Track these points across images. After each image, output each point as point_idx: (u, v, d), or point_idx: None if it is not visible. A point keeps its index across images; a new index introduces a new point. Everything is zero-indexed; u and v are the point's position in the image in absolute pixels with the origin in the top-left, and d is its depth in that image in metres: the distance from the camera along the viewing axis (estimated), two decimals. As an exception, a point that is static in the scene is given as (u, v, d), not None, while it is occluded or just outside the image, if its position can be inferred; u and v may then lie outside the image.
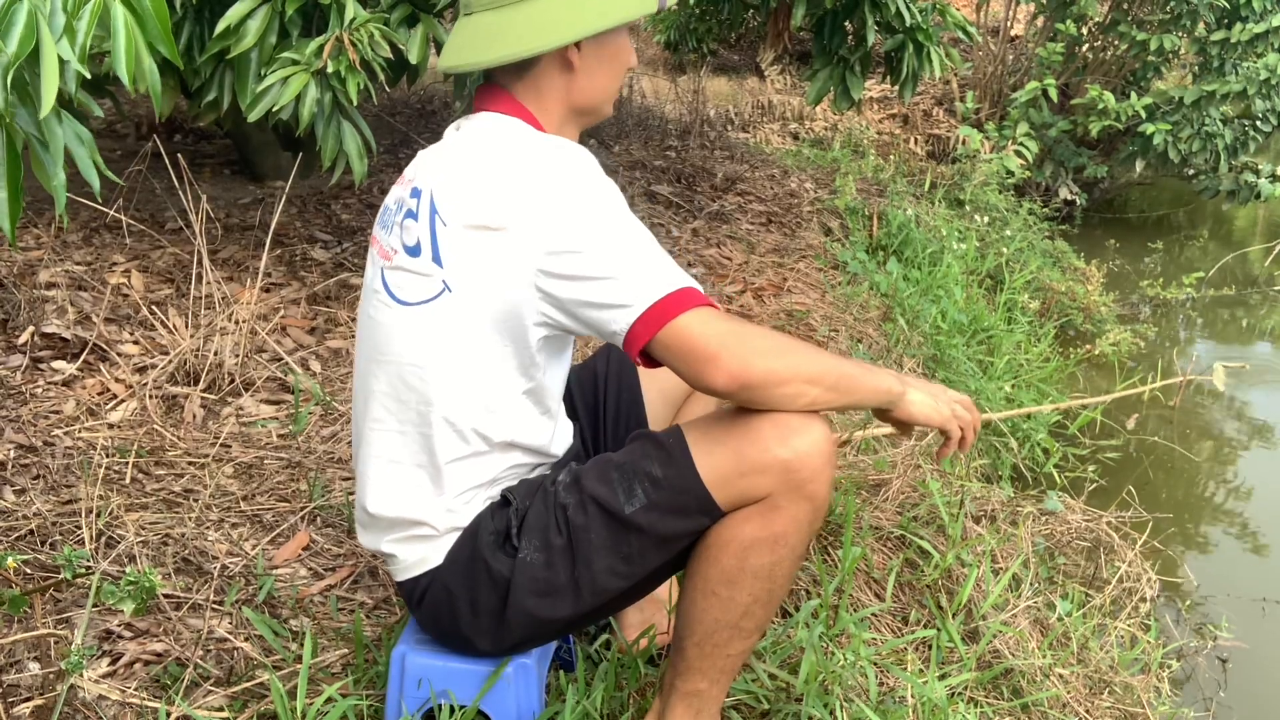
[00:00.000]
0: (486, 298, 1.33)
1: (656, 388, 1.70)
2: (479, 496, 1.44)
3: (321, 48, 2.45)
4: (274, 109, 2.46)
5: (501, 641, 1.44)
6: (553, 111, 1.45)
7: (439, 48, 2.82)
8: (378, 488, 1.44)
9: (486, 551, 1.40)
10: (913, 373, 3.36)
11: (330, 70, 2.43)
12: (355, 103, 2.50)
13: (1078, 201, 6.32)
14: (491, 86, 1.46)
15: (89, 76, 1.73)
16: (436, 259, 1.35)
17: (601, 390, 1.72)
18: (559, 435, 1.52)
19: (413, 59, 2.66)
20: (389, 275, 1.41)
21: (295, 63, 2.46)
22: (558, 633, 1.49)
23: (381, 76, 2.58)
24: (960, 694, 1.81)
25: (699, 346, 1.28)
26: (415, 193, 1.40)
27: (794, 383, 1.31)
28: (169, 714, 1.51)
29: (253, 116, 2.52)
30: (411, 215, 1.39)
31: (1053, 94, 5.93)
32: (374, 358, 1.43)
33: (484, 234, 1.32)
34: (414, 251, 1.38)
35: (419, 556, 1.44)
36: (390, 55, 2.51)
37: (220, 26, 2.47)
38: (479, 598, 1.41)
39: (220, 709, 1.56)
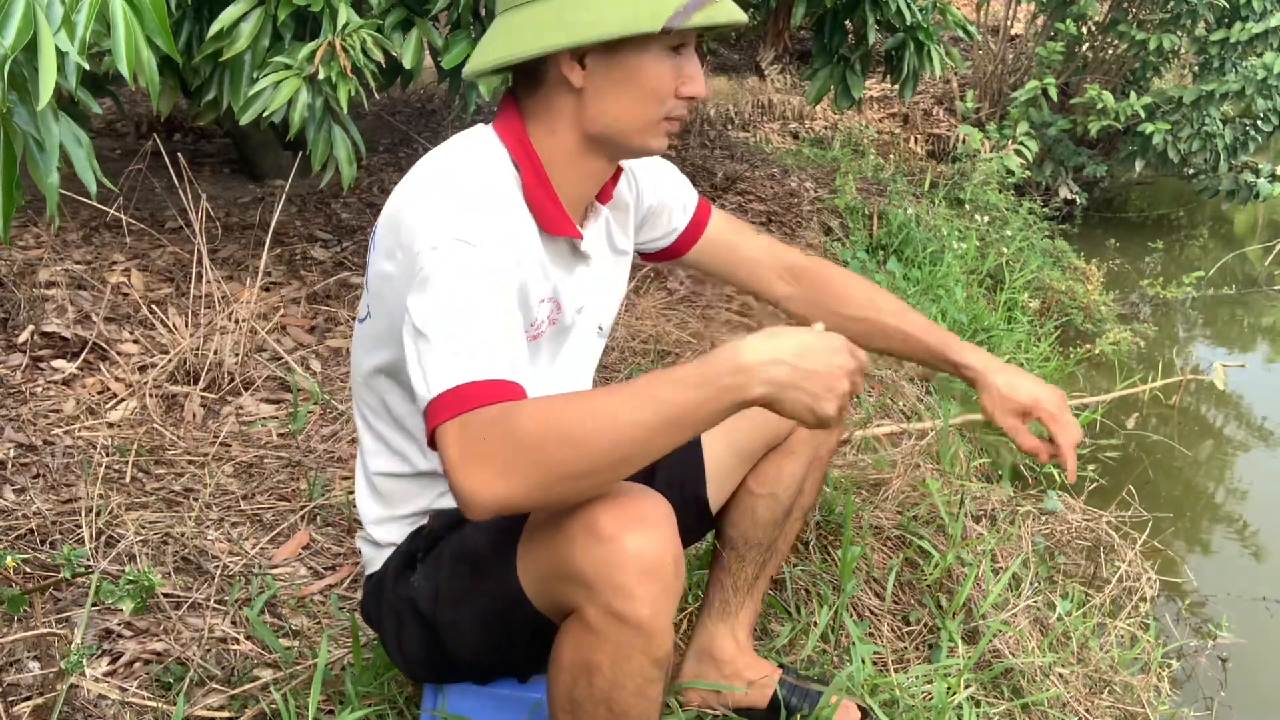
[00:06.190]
0: (388, 328, 1.25)
1: (724, 439, 1.47)
2: (405, 521, 1.38)
3: (314, 53, 2.44)
4: (265, 113, 2.46)
5: (413, 669, 1.38)
6: (562, 135, 1.26)
7: (434, 52, 2.81)
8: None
9: (390, 572, 1.35)
10: (912, 373, 3.36)
11: (322, 76, 2.43)
12: (345, 109, 2.50)
13: (1078, 201, 6.31)
14: (506, 97, 1.30)
15: (88, 69, 1.73)
16: (367, 282, 1.32)
17: None
18: None
19: (407, 64, 2.66)
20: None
21: (287, 67, 2.46)
22: (462, 674, 1.36)
23: (373, 83, 2.57)
24: (960, 693, 1.80)
25: (451, 463, 1.03)
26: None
27: (575, 480, 1.02)
28: (169, 715, 1.51)
29: (244, 119, 2.53)
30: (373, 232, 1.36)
31: (1053, 93, 5.92)
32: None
33: (385, 258, 1.24)
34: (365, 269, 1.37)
35: (368, 557, 1.42)
36: (383, 62, 2.50)
37: (214, 29, 2.47)
38: (388, 622, 1.35)
39: (221, 709, 1.56)
